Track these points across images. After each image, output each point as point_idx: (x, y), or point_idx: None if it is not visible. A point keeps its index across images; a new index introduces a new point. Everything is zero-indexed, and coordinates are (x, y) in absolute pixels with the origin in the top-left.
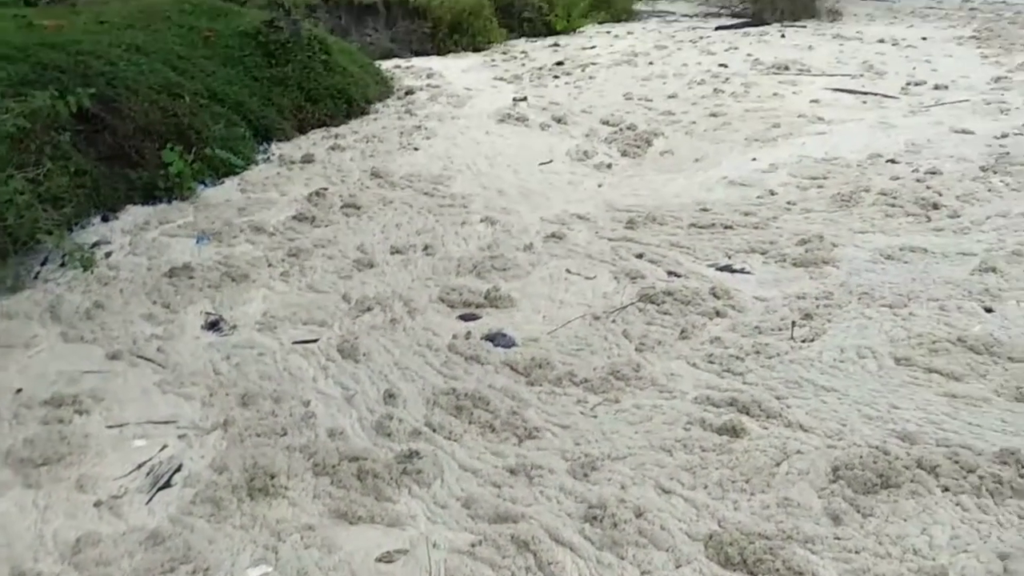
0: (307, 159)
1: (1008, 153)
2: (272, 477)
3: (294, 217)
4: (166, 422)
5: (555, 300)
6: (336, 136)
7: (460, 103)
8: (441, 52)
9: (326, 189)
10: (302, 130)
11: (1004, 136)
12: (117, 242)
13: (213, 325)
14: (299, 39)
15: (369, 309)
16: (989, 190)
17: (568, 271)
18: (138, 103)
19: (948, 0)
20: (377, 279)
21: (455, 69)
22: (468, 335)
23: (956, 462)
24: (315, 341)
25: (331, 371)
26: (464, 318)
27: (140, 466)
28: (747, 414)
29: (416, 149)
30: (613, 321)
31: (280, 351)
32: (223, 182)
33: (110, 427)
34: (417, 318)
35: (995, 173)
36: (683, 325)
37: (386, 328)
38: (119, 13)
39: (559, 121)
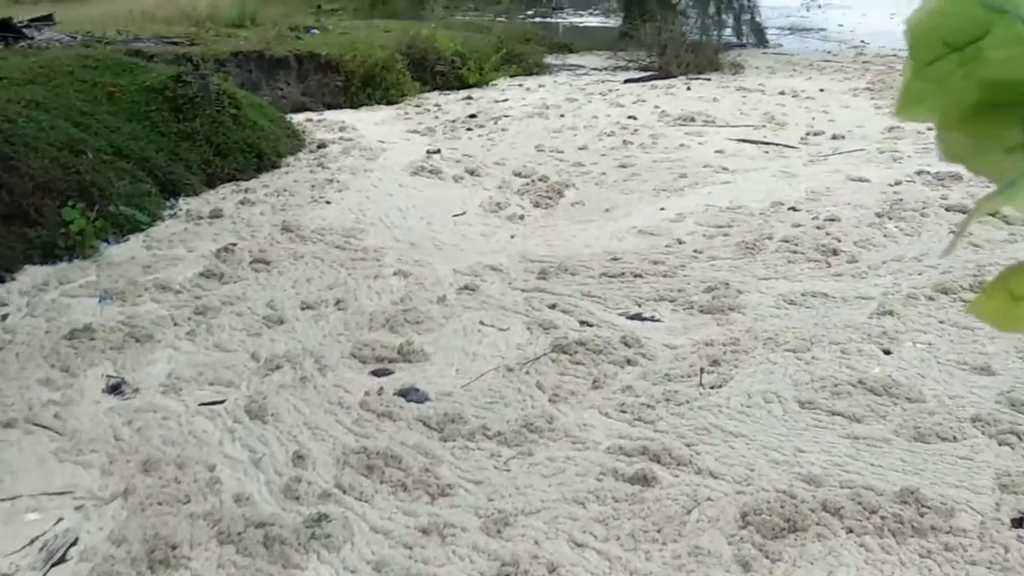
0: (216, 214)
1: (901, 199)
2: (174, 548)
3: (201, 274)
4: (62, 493)
5: (469, 353)
6: (246, 190)
7: (373, 156)
8: (354, 105)
9: (235, 244)
10: (211, 185)
11: (897, 183)
12: (14, 304)
13: (115, 388)
14: (208, 93)
15: (278, 367)
16: (885, 235)
17: (481, 323)
18: (37, 160)
19: (842, 53)
20: (287, 336)
21: (368, 122)
22: (380, 391)
23: (859, 503)
24: (222, 402)
25: (238, 433)
26: (376, 374)
27: (33, 541)
28: (658, 462)
29: (328, 202)
30: (526, 372)
31: (185, 414)
32: (128, 239)
33: (1, 500)
34: (328, 375)
35: (890, 219)
36: (595, 375)
37: (296, 386)
38: (19, 68)
39: (472, 173)
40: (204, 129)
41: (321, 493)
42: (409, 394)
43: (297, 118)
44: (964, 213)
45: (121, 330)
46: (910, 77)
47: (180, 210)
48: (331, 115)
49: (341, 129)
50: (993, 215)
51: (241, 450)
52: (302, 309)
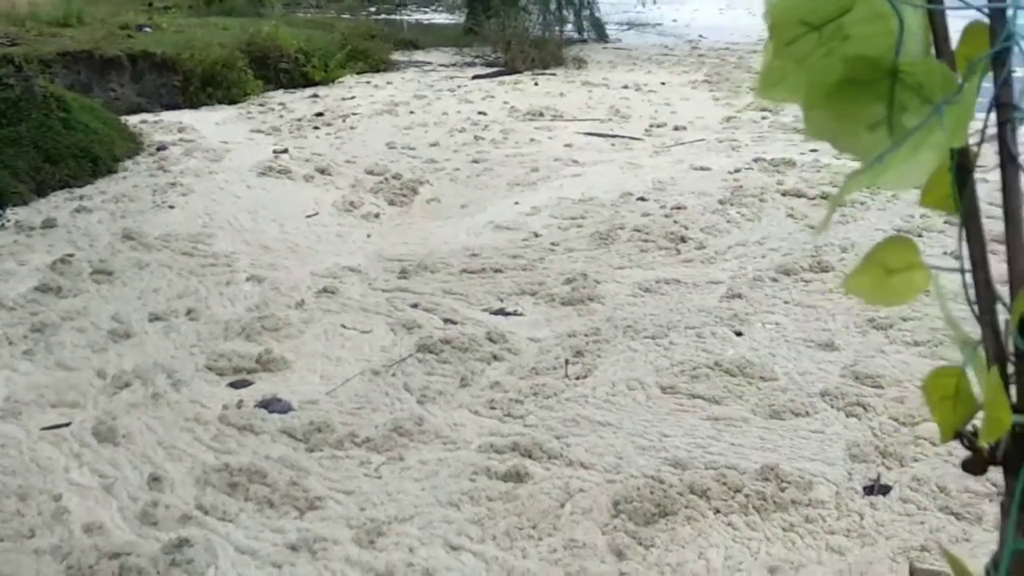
0: (48, 224)
1: (741, 187)
2: None
3: (36, 288)
4: None
5: (332, 358)
6: (81, 197)
7: (217, 157)
8: (194, 105)
9: (72, 255)
10: (41, 193)
11: (737, 171)
12: None
13: None
14: (33, 96)
15: (128, 384)
16: (728, 221)
17: (343, 326)
18: None
19: (679, 47)
20: (136, 350)
21: (209, 123)
22: (240, 404)
23: (724, 483)
24: (67, 425)
25: (86, 458)
26: (235, 385)
27: None
28: (530, 457)
29: (172, 207)
30: (393, 375)
31: (26, 440)
32: None
33: None
34: (183, 390)
35: (732, 206)
36: (463, 373)
37: (148, 404)
38: None
39: (323, 172)
40: (31, 134)
41: (181, 516)
42: (271, 405)
43: (133, 120)
44: (799, 197)
45: None
46: (770, 57)
47: (8, 221)
48: (169, 116)
49: (181, 130)
50: (823, 197)
51: (90, 476)
52: (151, 321)
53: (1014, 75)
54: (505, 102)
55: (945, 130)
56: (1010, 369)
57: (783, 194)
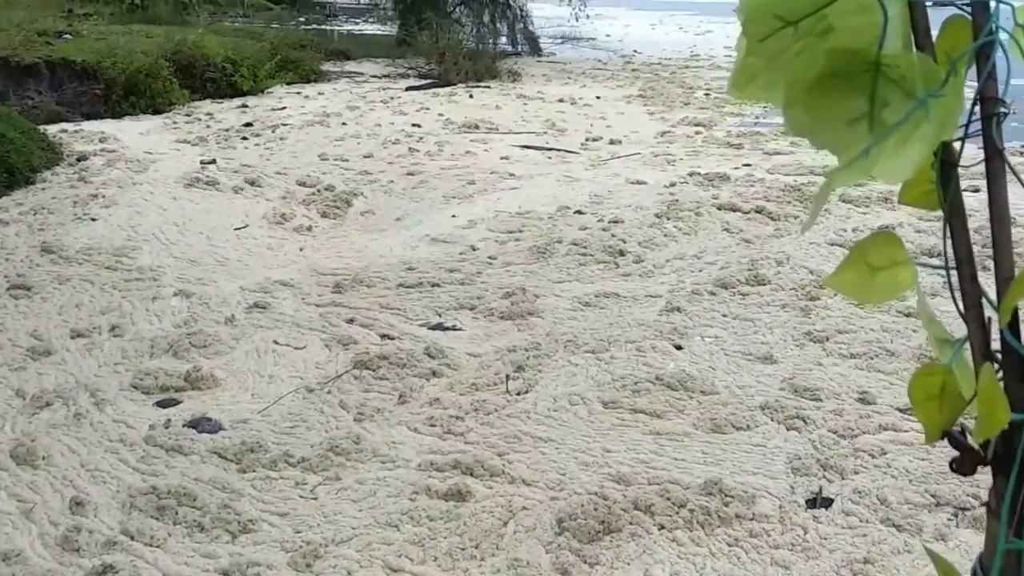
0: None
1: (677, 200)
2: None
3: None
4: None
5: (264, 375)
6: None
7: (141, 168)
8: (116, 115)
9: None
10: None
11: (672, 185)
12: None
13: None
14: None
15: (48, 404)
16: (665, 235)
17: (276, 343)
18: None
19: (612, 62)
20: (57, 368)
21: (133, 132)
22: (168, 423)
23: (668, 499)
24: None
25: (3, 482)
26: (162, 404)
27: None
28: (471, 475)
29: (94, 219)
30: (328, 392)
31: None
32: None
33: None
34: (107, 409)
35: (668, 219)
36: (401, 389)
37: (70, 424)
38: None
39: (252, 184)
40: None
41: (105, 542)
42: (200, 424)
43: (52, 129)
44: (735, 211)
45: None
46: (743, 55)
47: None
48: (90, 125)
49: (103, 140)
50: (758, 211)
51: (8, 501)
52: (72, 338)
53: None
54: (440, 114)
55: (933, 123)
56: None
57: (719, 208)
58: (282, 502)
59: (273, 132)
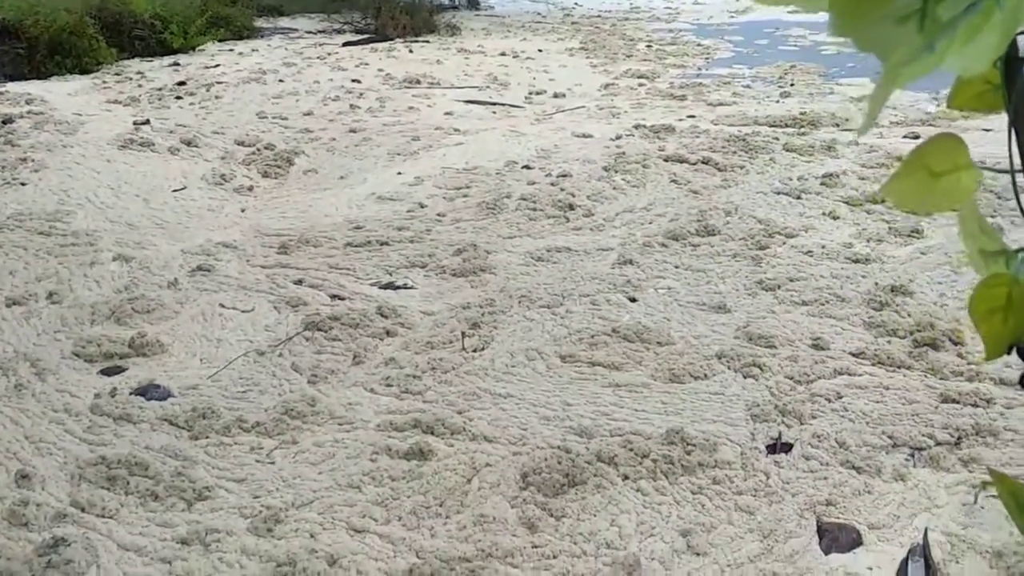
0: None
1: (624, 153)
2: None
3: None
4: None
5: (212, 340)
6: None
7: (71, 130)
8: (41, 76)
9: None
10: None
11: (619, 137)
12: None
13: None
14: None
15: None
16: (614, 188)
17: (222, 306)
18: None
19: (552, 15)
20: None
21: (60, 93)
22: (114, 392)
23: (631, 450)
24: None
25: None
26: (107, 372)
27: None
28: (432, 434)
29: (23, 184)
30: (280, 355)
31: None
32: None
33: None
34: (49, 379)
35: (616, 172)
36: (355, 350)
37: (11, 396)
38: None
39: (189, 144)
40: None
41: (55, 515)
42: (148, 392)
43: None
44: (682, 163)
45: None
46: None
47: None
48: (15, 87)
49: (28, 102)
50: (704, 161)
51: None
52: (8, 306)
53: None
54: (380, 69)
55: (1005, 11)
56: None
57: (665, 160)
58: (238, 468)
59: (208, 91)
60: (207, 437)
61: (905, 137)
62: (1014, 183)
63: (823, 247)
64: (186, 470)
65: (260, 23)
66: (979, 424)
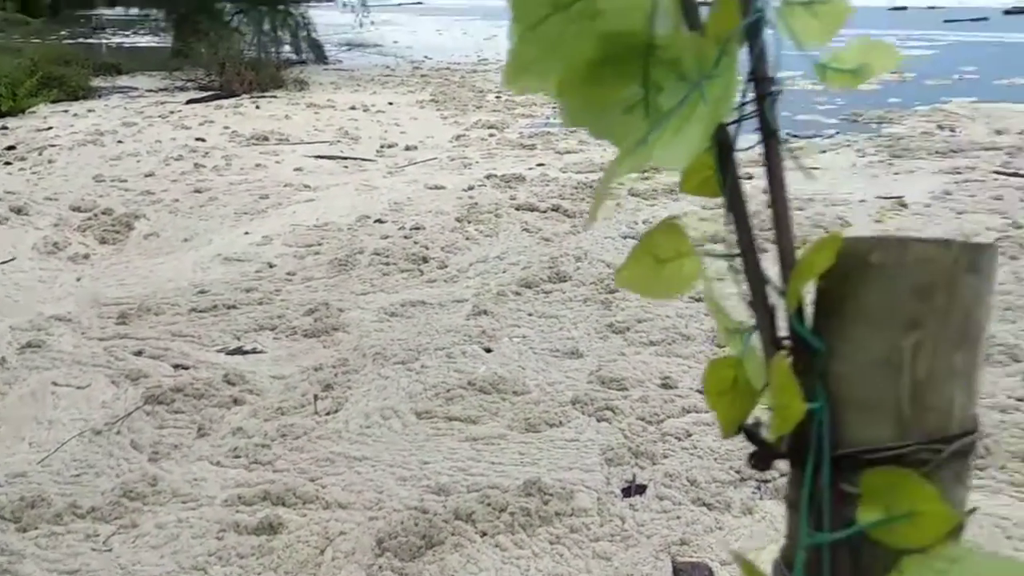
0: None
1: (476, 203)
2: None
3: None
4: None
5: (43, 421)
6: None
7: None
8: None
9: None
10: None
11: (471, 188)
12: None
13: None
14: None
15: None
16: (467, 239)
17: (55, 384)
18: None
19: (401, 68)
20: None
21: None
22: None
23: (488, 504)
24: None
25: None
26: None
27: None
28: (283, 505)
29: None
30: (118, 433)
31: None
32: None
33: None
34: None
35: (469, 223)
36: (200, 422)
37: None
38: None
39: (18, 212)
40: None
41: None
42: None
43: None
44: (532, 211)
45: None
46: (516, 43)
47: None
48: None
49: None
50: (555, 209)
51: None
52: None
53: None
54: (226, 127)
55: (708, 105)
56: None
57: (517, 208)
58: (71, 558)
59: (40, 155)
60: (37, 528)
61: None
62: (732, 267)
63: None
64: (13, 565)
65: (97, 82)
66: None
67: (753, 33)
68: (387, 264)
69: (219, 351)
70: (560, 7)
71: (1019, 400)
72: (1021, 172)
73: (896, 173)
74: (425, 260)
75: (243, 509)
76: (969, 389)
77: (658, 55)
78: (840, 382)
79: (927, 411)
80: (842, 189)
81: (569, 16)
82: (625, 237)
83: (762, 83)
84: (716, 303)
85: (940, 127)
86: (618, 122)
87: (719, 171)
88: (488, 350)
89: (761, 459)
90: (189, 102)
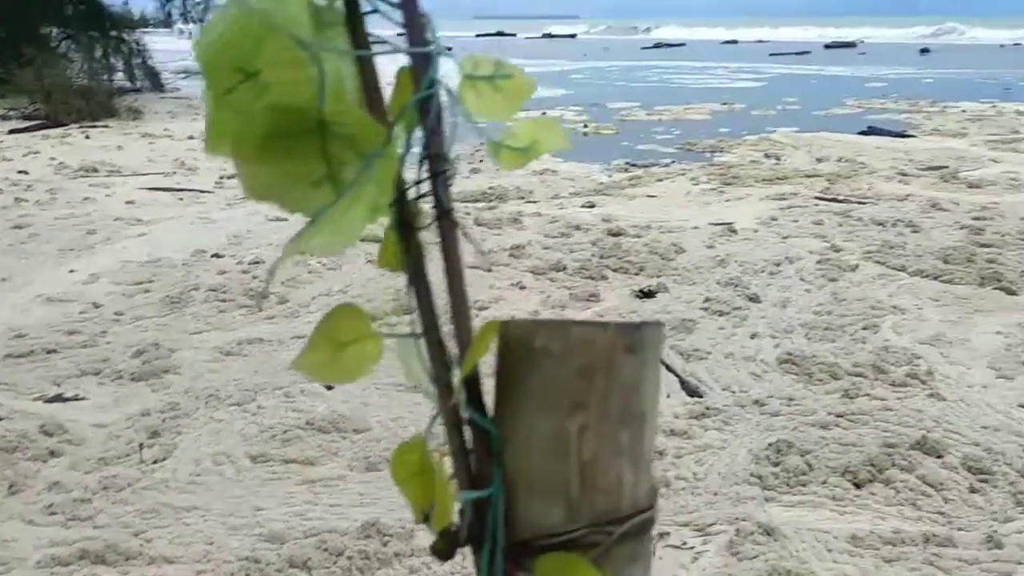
0: None
1: None
2: None
3: None
4: None
5: None
6: None
7: None
8: None
9: None
10: None
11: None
12: None
13: None
14: None
15: None
16: (310, 272)
17: None
18: None
19: None
20: None
21: None
22: None
23: (325, 550)
24: None
25: None
26: None
27: None
28: (103, 563)
29: None
30: None
31: None
32: None
33: None
34: None
35: (312, 255)
36: (11, 478)
37: None
38: None
39: None
40: None
41: None
42: None
43: None
44: (378, 243)
45: None
46: (212, 109)
47: None
48: None
49: None
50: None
51: None
52: None
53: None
54: (52, 158)
55: (375, 184)
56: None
57: (362, 240)
58: None
59: None
60: None
61: (583, 207)
62: (434, 345)
63: (512, 317)
64: None
65: None
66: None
67: (426, 110)
68: (224, 300)
69: (36, 399)
70: (248, 74)
71: (839, 416)
72: (839, 198)
73: (727, 200)
74: (264, 296)
75: (59, 570)
76: (638, 467)
77: (334, 130)
78: (516, 466)
79: (596, 492)
80: (677, 216)
81: (256, 85)
82: (470, 268)
83: (435, 161)
84: (412, 366)
85: (767, 155)
86: (309, 196)
87: (400, 248)
88: (329, 387)
89: (442, 548)
90: (11, 132)
